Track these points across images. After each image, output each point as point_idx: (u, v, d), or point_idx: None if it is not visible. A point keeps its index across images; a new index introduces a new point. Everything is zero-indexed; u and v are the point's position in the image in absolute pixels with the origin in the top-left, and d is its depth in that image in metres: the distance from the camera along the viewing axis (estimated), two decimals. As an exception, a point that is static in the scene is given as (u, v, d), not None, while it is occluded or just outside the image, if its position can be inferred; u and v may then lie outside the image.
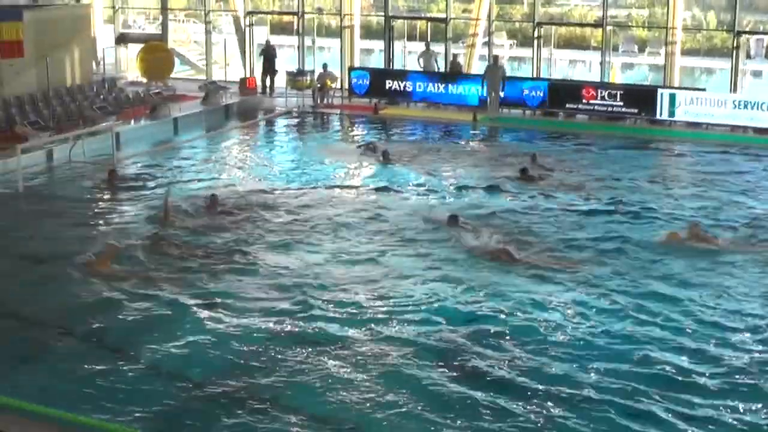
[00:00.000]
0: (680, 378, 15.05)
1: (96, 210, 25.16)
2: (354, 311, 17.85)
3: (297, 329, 17.01)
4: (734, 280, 19.53)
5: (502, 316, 17.47)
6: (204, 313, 17.67)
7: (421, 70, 39.18)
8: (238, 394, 14.50)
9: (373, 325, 17.11)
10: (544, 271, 19.78)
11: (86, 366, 15.54)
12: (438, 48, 40.79)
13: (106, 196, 26.58)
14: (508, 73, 38.32)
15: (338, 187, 27.23)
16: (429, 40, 40.96)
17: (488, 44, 40.17)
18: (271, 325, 17.20)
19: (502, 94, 36.95)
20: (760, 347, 16.35)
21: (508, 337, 16.53)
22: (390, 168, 29.23)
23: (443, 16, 41.02)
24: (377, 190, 26.77)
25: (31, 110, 33.40)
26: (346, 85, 40.25)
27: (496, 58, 38.38)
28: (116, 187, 27.12)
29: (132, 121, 35.45)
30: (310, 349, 16.08)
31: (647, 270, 20.09)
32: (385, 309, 17.95)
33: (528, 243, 21.75)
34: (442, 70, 39.41)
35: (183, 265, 20.34)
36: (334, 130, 37.15)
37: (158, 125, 35.57)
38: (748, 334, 16.86)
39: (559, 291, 18.73)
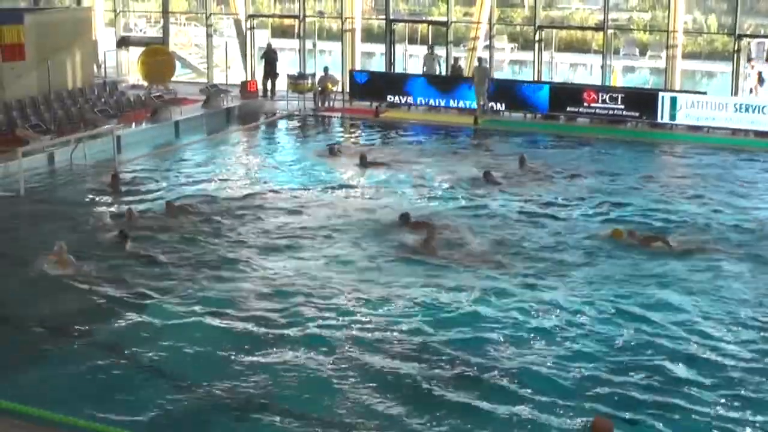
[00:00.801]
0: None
1: (96, 213, 25.16)
2: (342, 314, 18.01)
3: (285, 332, 17.15)
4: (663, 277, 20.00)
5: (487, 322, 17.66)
6: (195, 317, 17.85)
7: (424, 72, 39.16)
8: (231, 397, 14.64)
9: (362, 328, 17.36)
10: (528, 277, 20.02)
11: (81, 368, 15.65)
12: (439, 51, 40.77)
13: (108, 199, 26.55)
14: (512, 77, 38.31)
15: (327, 189, 27.47)
16: (431, 43, 40.96)
17: (489, 48, 40.18)
18: (259, 328, 17.36)
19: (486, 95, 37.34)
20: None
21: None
22: (366, 171, 29.37)
23: (444, 19, 41.02)
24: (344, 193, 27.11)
25: (32, 113, 33.37)
26: (347, 88, 40.23)
27: (480, 59, 38.66)
28: (119, 191, 27.14)
29: (133, 124, 35.48)
30: (300, 352, 16.23)
31: (569, 265, 20.76)
32: (374, 313, 18.12)
33: (463, 242, 22.24)
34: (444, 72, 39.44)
35: (166, 270, 20.50)
36: (334, 133, 37.13)
37: (159, 128, 35.68)
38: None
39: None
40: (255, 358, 16.00)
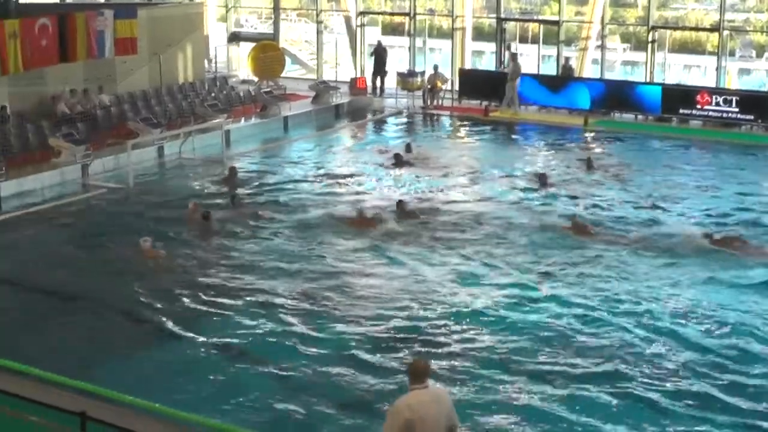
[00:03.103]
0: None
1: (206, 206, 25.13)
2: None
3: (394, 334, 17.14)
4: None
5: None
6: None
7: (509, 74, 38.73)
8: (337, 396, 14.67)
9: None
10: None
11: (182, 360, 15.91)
12: (550, 51, 40.38)
13: (219, 191, 26.66)
14: (623, 78, 37.75)
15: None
16: (508, 43, 40.64)
17: (601, 48, 39.66)
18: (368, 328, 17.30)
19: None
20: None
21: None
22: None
23: (556, 18, 40.54)
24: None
25: (143, 107, 33.76)
26: (457, 87, 40.06)
27: (514, 55, 38.54)
28: (234, 184, 27.22)
29: (242, 119, 35.77)
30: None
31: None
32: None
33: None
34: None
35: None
36: (443, 131, 36.98)
37: (268, 124, 35.84)
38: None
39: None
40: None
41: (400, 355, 16.01)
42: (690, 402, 14.46)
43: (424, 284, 19.47)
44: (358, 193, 26.75)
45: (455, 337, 16.85)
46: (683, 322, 17.41)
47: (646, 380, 15.12)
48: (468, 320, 17.60)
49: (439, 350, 16.24)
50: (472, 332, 17.06)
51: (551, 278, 19.74)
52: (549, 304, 18.33)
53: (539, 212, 24.56)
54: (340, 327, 17.31)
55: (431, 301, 18.48)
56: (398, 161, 29.47)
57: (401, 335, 16.91)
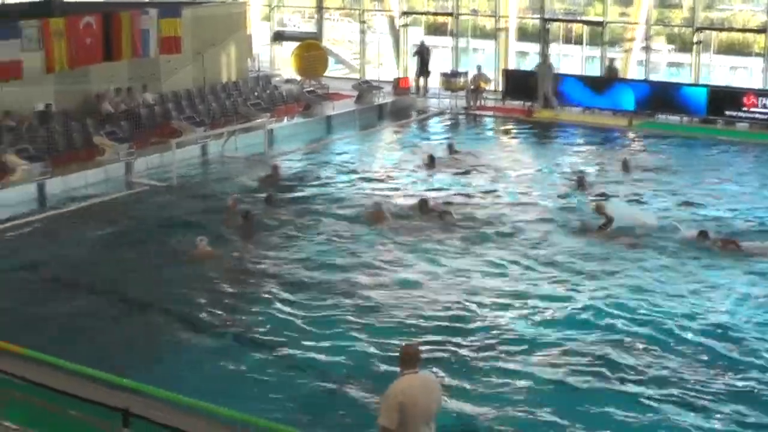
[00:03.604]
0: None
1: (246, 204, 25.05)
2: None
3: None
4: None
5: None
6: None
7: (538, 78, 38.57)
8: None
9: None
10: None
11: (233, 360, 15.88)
12: (594, 52, 40.19)
13: (261, 190, 26.54)
14: (668, 79, 37.52)
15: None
16: (545, 47, 40.53)
17: (646, 49, 39.45)
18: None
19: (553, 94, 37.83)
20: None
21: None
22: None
23: (600, 19, 40.36)
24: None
25: (187, 105, 33.91)
26: (501, 87, 39.93)
27: (545, 56, 38.62)
28: (276, 184, 27.21)
29: (285, 118, 35.81)
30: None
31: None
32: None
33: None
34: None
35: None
36: (485, 131, 36.93)
37: (312, 123, 35.92)
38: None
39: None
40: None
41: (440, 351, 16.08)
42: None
43: (467, 284, 19.49)
44: (395, 192, 26.81)
45: (492, 338, 16.91)
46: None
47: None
48: (498, 319, 17.74)
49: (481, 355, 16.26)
50: (502, 329, 17.26)
51: (583, 279, 19.81)
52: (573, 303, 18.44)
53: (574, 214, 24.51)
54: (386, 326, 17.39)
55: (470, 303, 18.48)
56: (431, 162, 29.31)
57: (437, 336, 16.94)
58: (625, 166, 28.93)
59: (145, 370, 15.02)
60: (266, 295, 18.90)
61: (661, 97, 36.94)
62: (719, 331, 16.99)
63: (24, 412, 12.70)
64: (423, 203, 24.11)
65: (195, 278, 19.75)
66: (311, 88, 39.13)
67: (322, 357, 15.93)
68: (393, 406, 10.55)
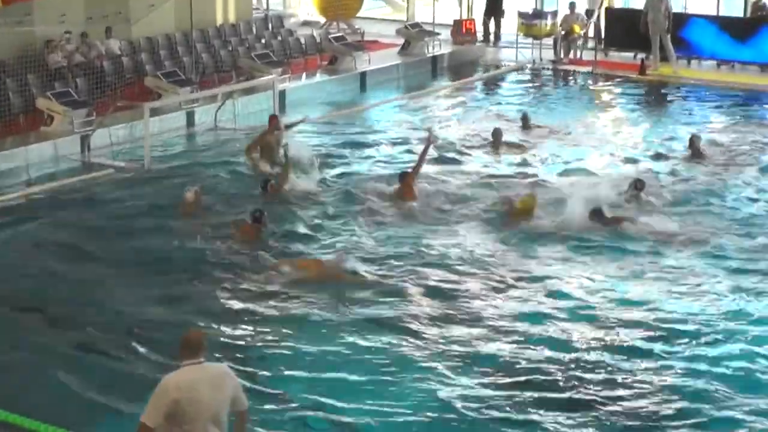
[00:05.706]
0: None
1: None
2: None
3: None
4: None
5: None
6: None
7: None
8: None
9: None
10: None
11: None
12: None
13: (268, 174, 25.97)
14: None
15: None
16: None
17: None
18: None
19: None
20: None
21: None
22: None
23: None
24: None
25: (166, 57, 33.95)
26: (602, 33, 40.02)
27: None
28: (288, 166, 26.10)
29: (303, 76, 35.74)
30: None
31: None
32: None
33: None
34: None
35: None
36: (580, 94, 36.75)
37: (339, 82, 36.01)
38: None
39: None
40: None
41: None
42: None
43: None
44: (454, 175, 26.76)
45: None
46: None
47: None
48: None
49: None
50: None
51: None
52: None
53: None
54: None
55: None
56: (497, 138, 29.13)
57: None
58: (691, 144, 28.47)
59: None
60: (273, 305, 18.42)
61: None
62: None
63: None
64: (596, 214, 23.48)
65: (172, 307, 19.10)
66: (339, 34, 39.05)
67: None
68: (165, 403, 11.05)
